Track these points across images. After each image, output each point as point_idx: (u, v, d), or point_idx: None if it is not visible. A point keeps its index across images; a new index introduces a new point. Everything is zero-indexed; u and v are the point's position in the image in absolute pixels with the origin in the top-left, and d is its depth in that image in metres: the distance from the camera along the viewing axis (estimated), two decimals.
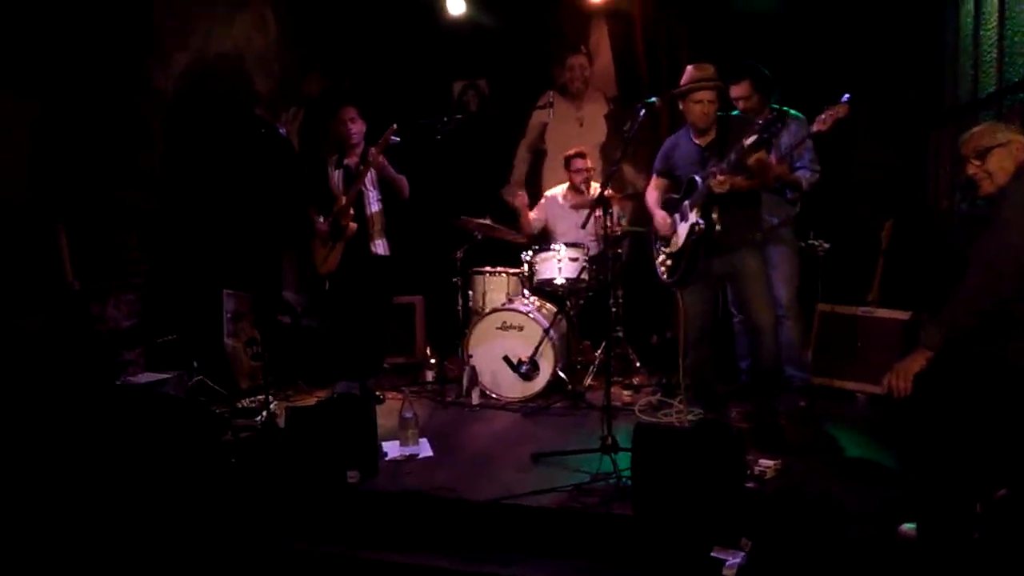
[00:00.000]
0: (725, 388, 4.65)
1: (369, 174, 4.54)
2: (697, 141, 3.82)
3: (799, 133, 4.13)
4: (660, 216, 3.92)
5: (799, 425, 3.88)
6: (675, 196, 3.93)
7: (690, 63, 3.78)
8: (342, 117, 4.58)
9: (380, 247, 4.68)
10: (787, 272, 4.28)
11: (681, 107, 3.78)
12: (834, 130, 3.70)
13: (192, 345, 4.76)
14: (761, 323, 3.80)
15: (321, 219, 4.66)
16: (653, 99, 3.75)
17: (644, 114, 3.76)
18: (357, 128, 4.59)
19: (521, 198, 5.56)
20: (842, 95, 3.57)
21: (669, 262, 3.93)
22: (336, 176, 4.67)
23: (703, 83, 3.66)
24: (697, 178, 3.70)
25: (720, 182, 3.51)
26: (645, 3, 5.89)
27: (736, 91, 4.17)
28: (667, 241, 3.93)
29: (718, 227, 3.62)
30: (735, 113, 3.94)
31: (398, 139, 4.39)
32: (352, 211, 4.53)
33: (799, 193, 4.21)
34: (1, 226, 3.93)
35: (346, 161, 4.65)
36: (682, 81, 3.73)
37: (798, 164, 4.16)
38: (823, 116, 3.70)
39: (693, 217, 3.70)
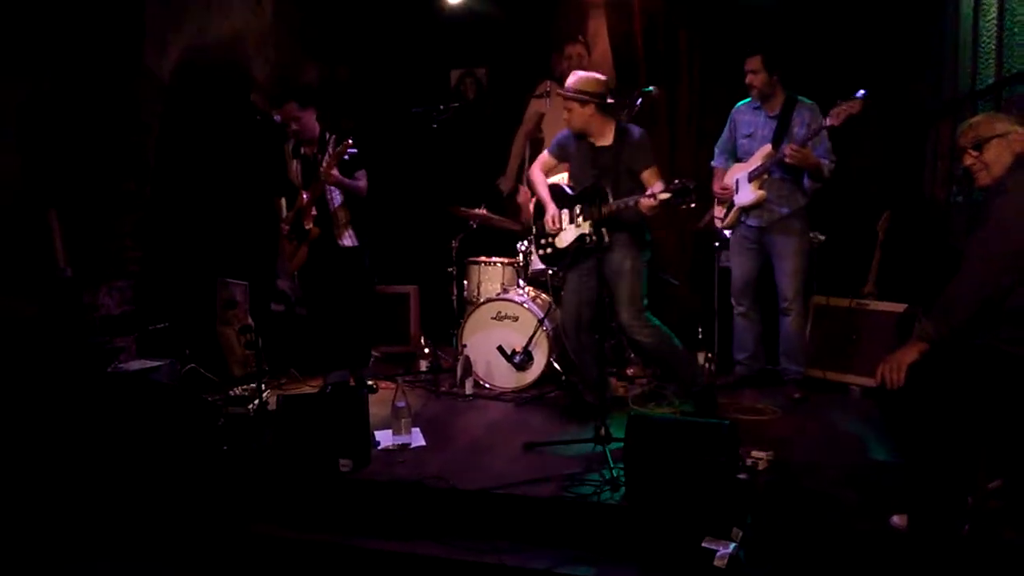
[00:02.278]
0: (723, 380, 4.66)
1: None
2: (594, 142, 3.92)
3: (813, 123, 4.13)
4: (552, 212, 4.01)
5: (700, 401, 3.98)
6: (566, 189, 4.04)
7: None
8: (285, 116, 4.42)
9: (347, 239, 4.53)
10: (793, 265, 4.27)
11: None
12: (844, 124, 3.75)
13: (185, 333, 4.74)
14: (621, 321, 3.89)
15: (284, 213, 4.57)
16: (651, 88, 3.75)
17: (640, 102, 3.75)
18: (302, 126, 4.41)
19: (524, 194, 5.54)
20: (857, 91, 3.61)
21: (549, 250, 4.09)
22: (295, 166, 4.55)
23: (564, 93, 3.82)
24: (600, 187, 3.80)
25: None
26: None
27: (749, 64, 4.24)
28: (550, 233, 4.05)
29: (607, 241, 3.80)
30: (618, 127, 3.95)
31: (356, 150, 4.28)
32: (314, 211, 4.43)
33: (820, 184, 4.18)
34: None
35: (303, 151, 4.52)
36: (564, 84, 3.87)
37: (815, 154, 4.14)
38: (836, 110, 3.76)
39: (585, 228, 3.89)
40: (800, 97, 4.22)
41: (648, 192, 3.66)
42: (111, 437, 3.44)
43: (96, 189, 4.42)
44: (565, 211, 4.01)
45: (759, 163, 4.24)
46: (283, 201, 4.63)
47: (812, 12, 5.25)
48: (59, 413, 3.49)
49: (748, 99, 4.40)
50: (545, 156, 4.18)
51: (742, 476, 3.10)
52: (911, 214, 4.92)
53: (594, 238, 3.82)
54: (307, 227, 4.43)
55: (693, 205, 3.68)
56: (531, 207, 4.52)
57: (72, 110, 4.24)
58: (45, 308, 3.99)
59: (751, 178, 4.28)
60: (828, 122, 3.89)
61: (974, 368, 2.52)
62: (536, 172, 4.18)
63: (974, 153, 2.64)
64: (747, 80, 4.28)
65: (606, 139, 3.91)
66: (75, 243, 4.13)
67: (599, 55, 6.21)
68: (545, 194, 4.09)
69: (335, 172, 4.29)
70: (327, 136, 4.47)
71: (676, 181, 3.62)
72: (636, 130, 3.94)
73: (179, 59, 4.91)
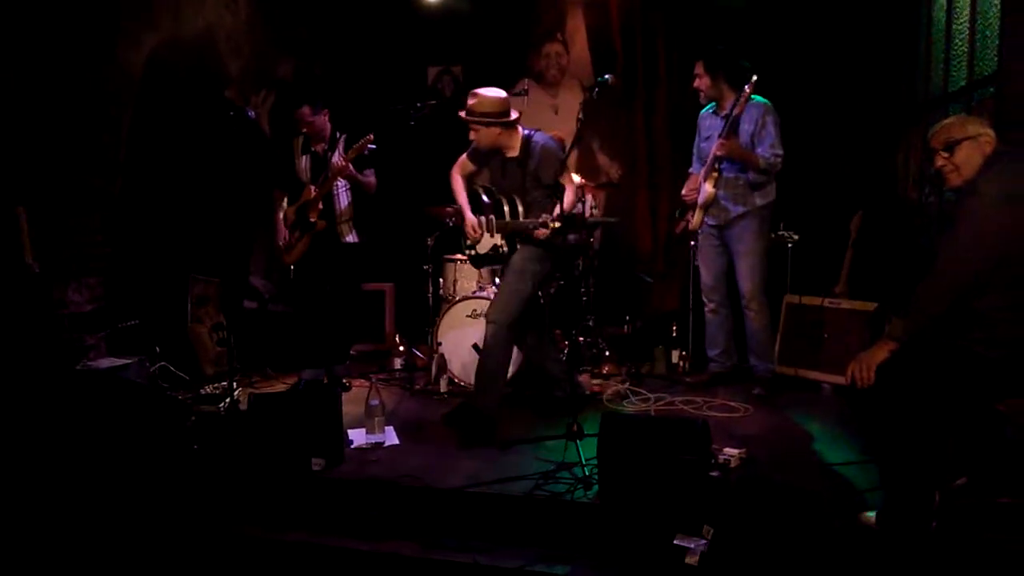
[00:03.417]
0: (697, 378, 4.69)
1: (338, 158, 4.47)
2: (504, 154, 3.98)
3: (759, 118, 4.19)
4: (472, 221, 4.05)
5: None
6: (480, 193, 4.08)
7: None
8: (299, 119, 4.53)
9: (350, 236, 4.65)
10: (749, 263, 4.32)
11: None
12: (804, 118, 3.80)
13: (156, 330, 4.69)
14: (491, 315, 3.89)
15: (286, 204, 4.60)
16: (606, 76, 3.75)
17: (596, 92, 3.78)
18: (315, 129, 4.53)
19: None
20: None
21: (472, 252, 4.16)
22: (304, 161, 4.61)
23: (470, 119, 3.87)
24: (504, 203, 3.94)
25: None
26: None
27: (695, 69, 4.35)
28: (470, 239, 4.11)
29: (516, 248, 3.95)
30: (524, 137, 3.97)
31: (374, 147, 4.36)
32: (321, 205, 4.49)
33: (763, 177, 4.22)
34: None
35: (313, 147, 4.60)
36: (466, 106, 3.90)
37: (758, 149, 4.19)
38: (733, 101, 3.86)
39: (497, 239, 4.00)
40: (753, 96, 4.23)
41: (541, 221, 3.70)
42: (79, 436, 3.38)
43: (64, 185, 4.35)
44: (481, 218, 4.05)
45: (709, 161, 4.29)
46: (284, 197, 4.66)
47: (787, 14, 5.30)
48: (26, 410, 3.43)
49: (708, 106, 4.45)
50: (464, 159, 4.17)
51: (714, 474, 3.11)
52: (883, 214, 4.98)
53: (505, 249, 3.96)
54: (312, 220, 4.47)
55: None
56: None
57: (40, 105, 4.17)
58: (12, 305, 3.91)
59: (705, 177, 4.35)
60: (735, 111, 4.08)
61: (943, 367, 2.55)
62: (456, 177, 4.15)
63: (945, 155, 2.67)
64: (694, 84, 4.36)
65: (513, 151, 3.97)
66: (43, 239, 4.05)
67: (577, 53, 6.23)
68: (463, 201, 4.10)
69: (350, 167, 4.37)
70: (337, 135, 4.55)
71: (558, 212, 3.66)
72: (542, 139, 3.96)
73: (151, 54, 4.85)
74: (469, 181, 4.18)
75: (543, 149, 3.91)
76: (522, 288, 3.88)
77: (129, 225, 4.75)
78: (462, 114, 3.90)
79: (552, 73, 6.28)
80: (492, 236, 4.01)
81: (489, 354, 3.88)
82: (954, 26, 4.37)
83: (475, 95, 3.88)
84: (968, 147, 2.63)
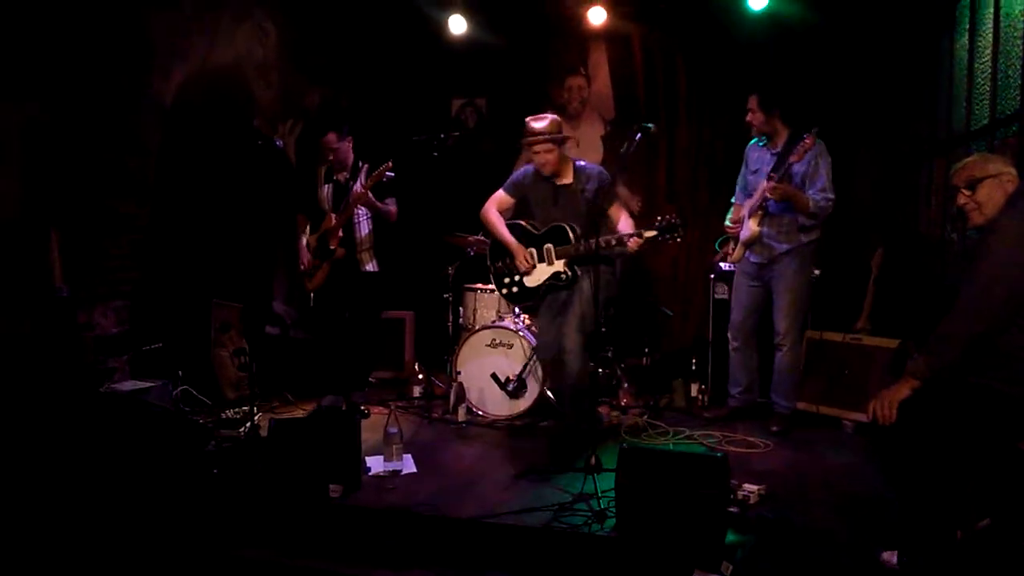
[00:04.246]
0: (716, 412, 4.66)
1: (359, 188, 4.52)
2: (555, 181, 4.01)
3: (812, 159, 4.15)
4: (523, 253, 4.05)
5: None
6: (525, 225, 4.11)
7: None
8: (324, 146, 4.61)
9: (370, 265, 4.69)
10: (787, 301, 4.29)
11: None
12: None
13: (179, 354, 4.74)
14: (565, 345, 3.91)
15: (308, 231, 4.67)
16: (650, 125, 3.79)
17: (640, 137, 3.80)
18: (340, 156, 4.61)
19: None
20: (812, 128, 3.84)
21: (515, 289, 4.14)
22: (326, 190, 4.68)
23: (538, 138, 3.89)
24: (567, 228, 3.94)
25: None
26: (644, 27, 5.94)
27: (749, 103, 4.33)
28: (517, 270, 4.09)
29: (580, 274, 3.97)
30: (576, 166, 4.05)
31: (392, 174, 4.40)
32: (341, 233, 4.55)
33: (812, 221, 4.21)
34: None
35: (336, 176, 4.67)
36: (525, 132, 3.96)
37: (809, 191, 4.17)
38: (796, 148, 3.88)
39: (559, 266, 3.99)
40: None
41: (634, 232, 3.76)
42: (101, 458, 3.41)
43: (96, 210, 4.44)
44: (532, 249, 4.06)
45: (756, 199, 4.27)
46: (307, 223, 4.74)
47: (809, 52, 5.33)
48: (50, 432, 3.47)
49: (755, 139, 4.47)
50: (501, 195, 4.21)
51: (733, 509, 3.08)
52: (905, 251, 4.95)
53: (568, 275, 3.96)
54: (332, 247, 4.53)
55: (679, 239, 3.76)
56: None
57: (75, 132, 4.27)
58: (40, 327, 3.98)
59: (751, 214, 4.31)
60: (792, 160, 3.98)
61: (967, 406, 2.53)
62: (493, 212, 4.19)
63: (967, 193, 2.67)
64: (747, 119, 4.35)
65: (567, 178, 4.01)
66: (73, 263, 4.14)
67: (599, 87, 6.29)
68: (507, 234, 4.12)
69: (370, 194, 4.41)
70: (359, 164, 4.61)
71: (660, 218, 3.70)
72: (593, 167, 4.05)
73: (184, 84, 4.96)
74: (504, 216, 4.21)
75: (600, 175, 4.00)
76: (592, 313, 3.93)
77: (156, 249, 4.83)
78: (530, 139, 3.92)
79: (574, 106, 6.35)
80: (551, 264, 4.01)
81: (580, 378, 3.93)
82: (976, 64, 4.38)
83: (541, 118, 3.93)
84: (990, 185, 2.63)
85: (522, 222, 4.17)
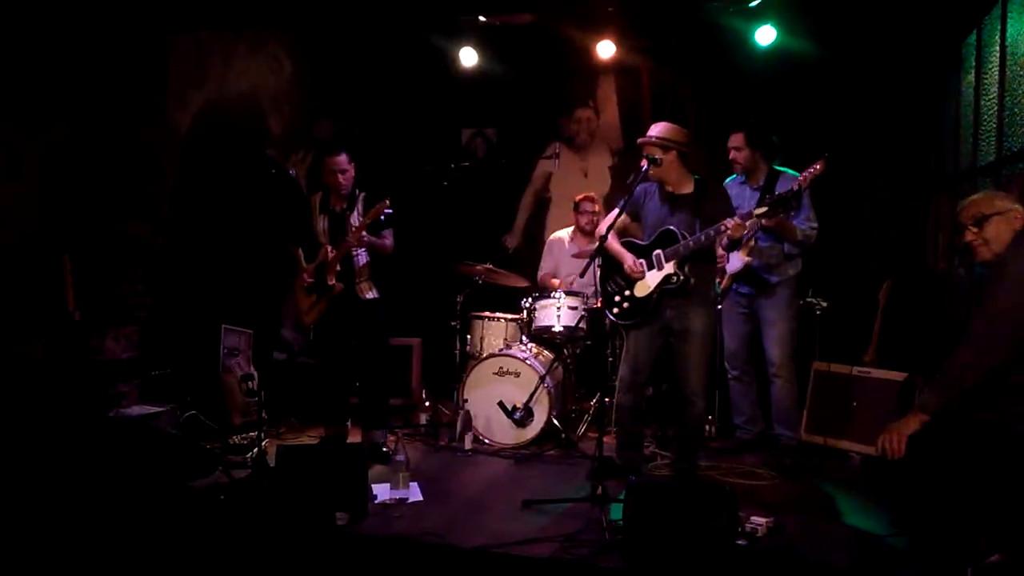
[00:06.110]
0: (723, 444, 4.65)
1: (356, 220, 4.41)
2: (670, 189, 3.95)
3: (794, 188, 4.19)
4: (631, 260, 3.97)
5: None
6: (637, 241, 4.04)
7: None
8: (332, 167, 4.40)
9: (370, 292, 4.52)
10: (780, 332, 4.34)
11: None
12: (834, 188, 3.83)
13: (188, 379, 4.75)
14: (693, 387, 3.89)
15: (304, 264, 4.51)
16: (658, 158, 3.82)
17: (647, 168, 3.83)
18: (347, 179, 4.43)
19: (562, 284, 5.44)
20: (823, 154, 3.88)
21: (626, 304, 4.02)
22: (322, 222, 4.49)
23: (665, 143, 3.85)
24: (675, 230, 3.85)
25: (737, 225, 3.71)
26: (652, 61, 6.02)
27: (732, 140, 4.38)
28: (630, 283, 3.99)
29: (693, 280, 3.84)
30: (696, 178, 4.00)
31: (391, 211, 4.28)
32: (339, 267, 4.40)
33: (798, 249, 4.26)
34: (9, 253, 3.96)
35: (332, 206, 4.49)
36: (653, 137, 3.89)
37: (794, 221, 4.22)
38: (804, 173, 3.91)
39: (670, 268, 3.87)
40: (783, 168, 4.31)
41: (739, 213, 3.77)
42: (108, 482, 3.42)
43: (110, 235, 4.49)
44: (640, 260, 3.96)
45: (750, 232, 4.29)
46: (300, 252, 4.55)
47: (816, 86, 5.38)
48: (58, 455, 3.48)
49: (734, 175, 4.50)
50: (625, 220, 4.05)
51: (741, 542, 3.07)
52: (912, 284, 4.97)
53: (680, 277, 3.84)
54: (330, 283, 4.39)
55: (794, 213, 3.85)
56: (595, 269, 4.06)
57: (91, 158, 4.33)
58: (51, 350, 4.01)
59: (740, 246, 4.35)
60: (796, 185, 4.00)
61: (976, 442, 2.53)
62: (612, 236, 3.99)
63: (974, 229, 2.69)
64: (731, 156, 4.41)
65: (686, 188, 3.93)
66: (86, 288, 4.17)
67: (608, 119, 6.36)
68: (621, 248, 4.03)
69: (365, 234, 4.31)
70: (356, 193, 4.48)
71: (767, 196, 3.75)
72: (716, 185, 4.05)
73: (197, 113, 5.04)
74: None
75: (722, 189, 4.04)
76: (712, 351, 3.98)
77: (169, 276, 4.87)
78: (642, 139, 3.89)
79: (583, 137, 6.42)
80: (660, 269, 3.89)
81: (702, 419, 4.02)
82: (983, 101, 4.42)
83: (659, 124, 3.90)
84: (997, 222, 2.65)
85: (631, 239, 4.10)
